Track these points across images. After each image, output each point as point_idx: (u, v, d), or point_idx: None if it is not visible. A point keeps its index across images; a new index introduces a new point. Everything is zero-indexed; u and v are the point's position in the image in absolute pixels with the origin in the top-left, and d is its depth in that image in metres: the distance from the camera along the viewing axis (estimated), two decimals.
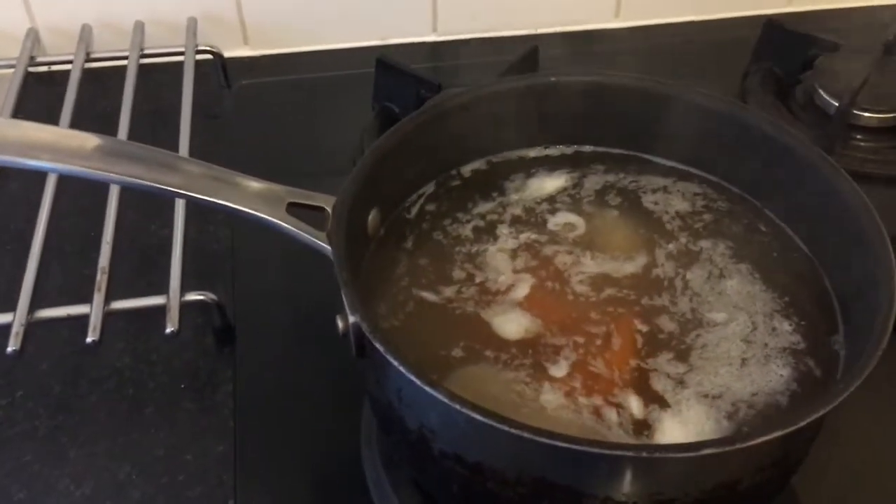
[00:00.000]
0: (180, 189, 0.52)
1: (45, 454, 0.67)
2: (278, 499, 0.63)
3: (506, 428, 0.43)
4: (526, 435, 0.42)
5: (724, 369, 0.53)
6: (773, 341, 0.55)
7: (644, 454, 0.42)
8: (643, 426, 0.50)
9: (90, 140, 0.54)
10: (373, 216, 0.59)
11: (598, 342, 0.55)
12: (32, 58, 0.96)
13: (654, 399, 0.52)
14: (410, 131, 0.60)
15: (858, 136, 0.91)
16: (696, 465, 0.44)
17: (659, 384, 0.53)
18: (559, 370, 0.53)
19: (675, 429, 0.50)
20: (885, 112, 0.90)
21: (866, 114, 0.90)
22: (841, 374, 0.49)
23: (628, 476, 0.44)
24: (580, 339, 0.55)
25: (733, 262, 0.60)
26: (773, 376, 0.53)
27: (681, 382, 0.53)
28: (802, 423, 0.43)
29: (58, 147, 0.53)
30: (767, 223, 0.63)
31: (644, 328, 0.56)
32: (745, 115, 0.62)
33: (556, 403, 0.52)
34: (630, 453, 0.42)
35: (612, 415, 0.51)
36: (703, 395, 0.52)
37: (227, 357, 0.73)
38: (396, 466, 0.62)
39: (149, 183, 0.52)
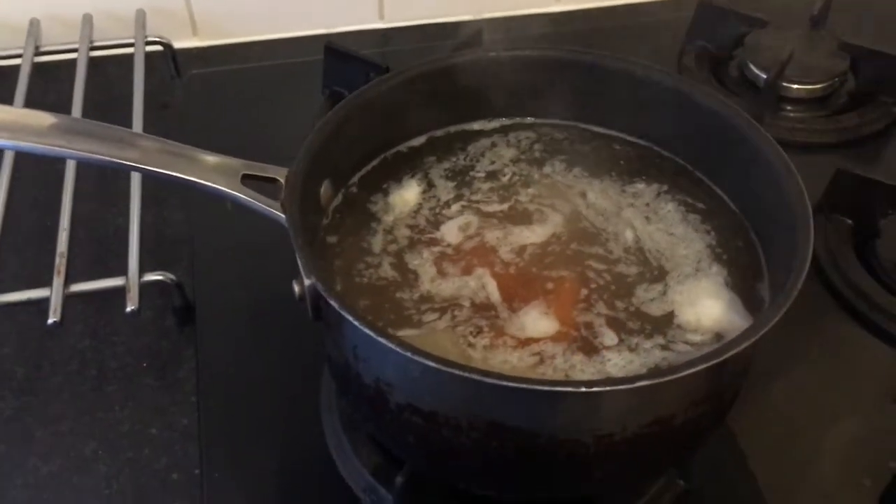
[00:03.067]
0: (138, 163, 0.54)
1: (11, 435, 0.68)
2: (243, 466, 0.65)
3: (457, 372, 0.46)
4: (475, 377, 0.45)
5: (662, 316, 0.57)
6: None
7: (583, 389, 0.45)
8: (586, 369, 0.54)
9: (48, 118, 0.56)
10: (325, 188, 0.62)
11: (544, 294, 0.58)
12: None
13: (595, 345, 0.55)
14: (356, 107, 0.62)
15: (788, 108, 0.96)
16: (632, 398, 0.47)
17: (600, 330, 0.56)
18: (508, 324, 0.56)
19: (615, 371, 0.54)
20: (812, 83, 0.95)
21: (795, 85, 0.96)
22: (762, 314, 0.53)
23: (569, 412, 0.48)
24: (526, 292, 0.58)
25: (672, 217, 0.64)
26: None
27: (622, 328, 0.56)
28: (726, 356, 0.46)
29: (16, 125, 0.54)
30: (699, 184, 0.66)
31: (587, 282, 0.59)
32: (680, 84, 0.66)
33: (505, 356, 0.55)
34: (569, 388, 0.45)
35: (557, 361, 0.54)
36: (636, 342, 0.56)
37: (188, 335, 0.75)
38: (355, 428, 0.65)
39: (108, 158, 0.54)
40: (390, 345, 0.47)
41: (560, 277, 0.59)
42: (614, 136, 0.70)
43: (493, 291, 0.58)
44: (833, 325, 0.76)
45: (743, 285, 0.59)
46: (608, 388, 0.46)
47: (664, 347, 0.56)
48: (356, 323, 0.48)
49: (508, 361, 0.54)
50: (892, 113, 0.93)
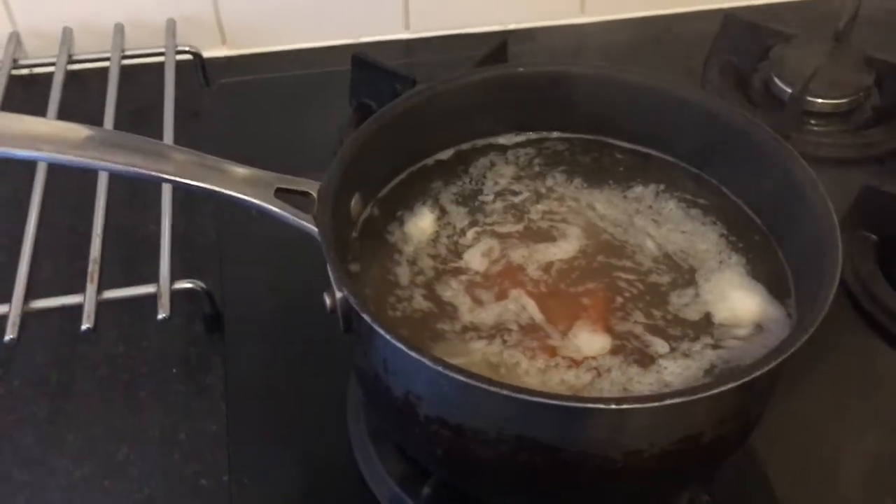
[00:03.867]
0: (172, 176, 0.55)
1: (44, 438, 0.70)
2: (270, 472, 0.66)
3: (486, 387, 0.47)
4: (503, 392, 0.46)
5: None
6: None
7: (613, 406, 0.46)
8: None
9: (84, 131, 0.57)
10: (355, 201, 0.63)
11: (575, 310, 0.59)
12: (15, 61, 0.98)
13: (649, 354, 0.56)
14: (387, 121, 0.63)
15: (813, 122, 0.96)
16: (661, 415, 0.48)
17: (650, 339, 0.57)
18: (561, 345, 0.57)
19: (673, 379, 0.54)
20: (836, 98, 0.95)
21: (819, 100, 0.96)
22: (789, 334, 0.53)
23: (598, 428, 0.48)
24: (560, 308, 0.59)
25: (700, 234, 0.65)
26: None
27: (667, 335, 0.57)
28: (754, 375, 0.47)
29: (54, 138, 0.55)
30: (726, 201, 0.67)
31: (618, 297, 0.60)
32: (705, 101, 0.66)
33: (537, 369, 0.56)
34: (598, 405, 0.46)
35: (614, 375, 0.55)
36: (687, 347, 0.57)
37: (217, 342, 0.76)
38: (382, 438, 0.65)
39: (143, 171, 0.55)
40: (421, 359, 0.48)
41: (595, 296, 0.60)
42: (641, 151, 0.71)
43: (535, 312, 0.59)
44: (857, 340, 0.76)
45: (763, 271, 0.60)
46: (637, 406, 0.46)
47: (714, 346, 0.57)
48: (388, 336, 0.49)
49: (566, 381, 0.54)
50: None
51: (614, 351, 0.56)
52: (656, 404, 0.46)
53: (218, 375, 0.74)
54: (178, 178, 0.55)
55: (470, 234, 0.65)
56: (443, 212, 0.66)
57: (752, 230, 0.64)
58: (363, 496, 0.64)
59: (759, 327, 0.58)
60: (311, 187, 0.58)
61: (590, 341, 0.57)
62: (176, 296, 0.75)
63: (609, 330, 0.58)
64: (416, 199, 0.67)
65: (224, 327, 0.77)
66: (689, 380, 0.54)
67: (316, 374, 0.73)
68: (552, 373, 0.55)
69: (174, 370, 0.75)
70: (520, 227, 0.65)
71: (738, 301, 0.60)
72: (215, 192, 0.56)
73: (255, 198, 0.56)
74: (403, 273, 0.62)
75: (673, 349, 0.56)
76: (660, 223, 0.66)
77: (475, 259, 0.63)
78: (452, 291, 0.61)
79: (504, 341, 0.57)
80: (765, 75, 1.00)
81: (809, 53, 0.98)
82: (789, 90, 0.94)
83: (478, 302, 0.60)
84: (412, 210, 0.66)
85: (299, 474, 0.67)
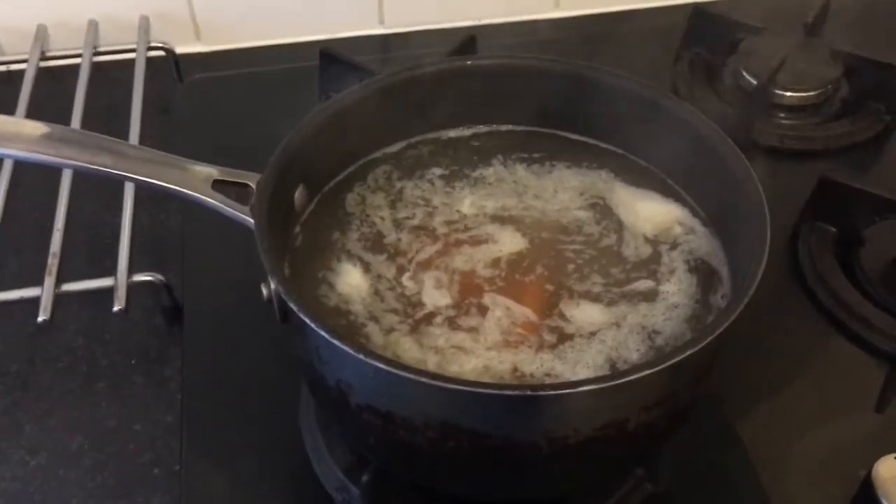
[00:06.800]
0: (112, 168, 0.56)
1: (1, 428, 0.71)
2: (222, 463, 0.67)
3: (405, 374, 0.47)
4: (422, 380, 0.47)
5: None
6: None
7: (528, 392, 0.46)
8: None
9: (40, 128, 0.58)
10: (299, 193, 0.64)
11: (505, 300, 0.59)
12: None
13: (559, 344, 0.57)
14: (331, 114, 0.64)
15: (781, 115, 0.96)
16: (579, 401, 0.48)
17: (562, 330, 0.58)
18: (476, 323, 0.58)
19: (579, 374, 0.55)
20: (804, 91, 0.95)
21: (787, 93, 0.96)
22: (708, 323, 0.54)
23: (517, 415, 0.49)
24: (496, 301, 0.60)
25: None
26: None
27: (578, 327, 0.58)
28: (672, 361, 0.47)
29: (7, 134, 0.56)
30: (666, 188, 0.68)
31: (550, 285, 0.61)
32: (645, 91, 0.67)
33: (472, 361, 0.56)
34: (513, 392, 0.47)
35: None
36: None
37: (176, 335, 0.77)
38: (329, 428, 0.66)
39: (85, 164, 0.56)
40: (345, 347, 0.49)
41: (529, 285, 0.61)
42: (590, 143, 0.71)
43: (465, 303, 0.60)
44: (812, 332, 0.76)
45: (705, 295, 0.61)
46: (551, 393, 0.47)
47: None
48: (314, 325, 0.50)
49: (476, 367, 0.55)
50: (882, 120, 0.93)
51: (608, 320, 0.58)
52: (571, 391, 0.46)
53: (176, 367, 0.75)
54: (115, 171, 0.56)
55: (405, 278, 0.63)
56: (363, 263, 0.64)
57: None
58: (311, 485, 0.65)
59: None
60: (252, 179, 0.59)
61: (583, 314, 0.59)
62: (136, 289, 0.76)
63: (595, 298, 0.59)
64: (333, 256, 0.64)
65: (183, 320, 0.77)
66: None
67: (272, 367, 0.73)
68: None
69: (133, 362, 0.76)
70: (438, 245, 0.65)
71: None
72: (153, 184, 0.57)
73: (191, 190, 0.57)
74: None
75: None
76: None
77: (434, 296, 0.61)
78: (440, 330, 0.59)
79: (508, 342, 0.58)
80: (734, 69, 1.00)
81: (778, 46, 0.98)
82: (755, 82, 0.94)
83: (472, 330, 0.59)
84: (334, 270, 0.63)
85: (250, 464, 0.67)
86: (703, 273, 0.62)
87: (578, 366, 0.55)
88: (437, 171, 0.70)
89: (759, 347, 0.72)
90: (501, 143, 0.72)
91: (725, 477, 0.66)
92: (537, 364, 0.56)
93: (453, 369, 0.55)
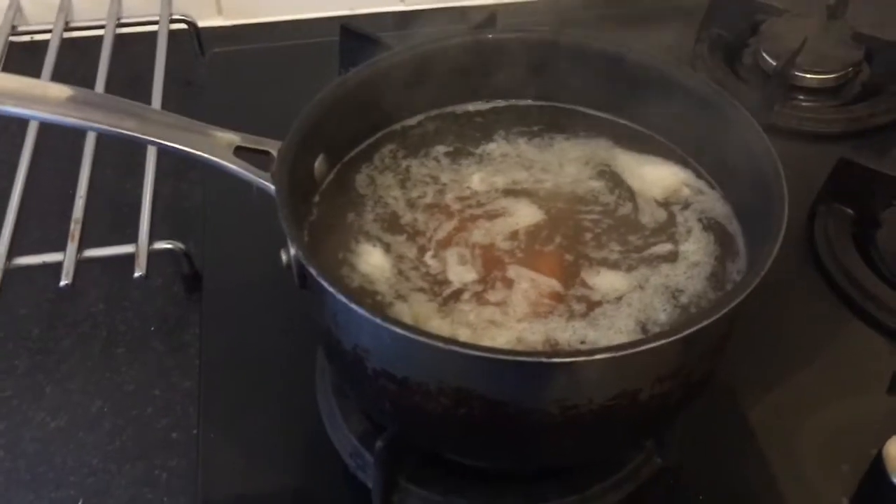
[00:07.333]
0: (134, 132, 0.57)
1: (23, 390, 0.72)
2: (239, 428, 0.68)
3: (421, 339, 0.48)
4: (438, 344, 0.47)
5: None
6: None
7: (542, 359, 0.47)
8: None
9: (66, 90, 0.59)
10: (319, 162, 0.64)
11: (529, 272, 0.60)
12: (14, 27, 1.01)
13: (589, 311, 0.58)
14: (353, 85, 0.65)
15: (801, 97, 0.96)
16: (592, 370, 0.49)
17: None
18: (504, 297, 0.59)
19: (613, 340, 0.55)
20: (824, 73, 0.95)
21: (807, 75, 0.95)
22: (725, 294, 0.54)
23: (533, 382, 0.49)
24: (520, 273, 0.60)
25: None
26: None
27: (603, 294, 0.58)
28: (686, 332, 0.48)
29: (31, 96, 0.57)
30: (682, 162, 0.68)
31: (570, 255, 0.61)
32: (666, 68, 0.67)
33: (504, 334, 0.57)
34: (530, 359, 0.47)
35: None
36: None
37: (195, 303, 0.78)
38: (345, 396, 0.67)
39: (107, 126, 0.57)
40: (362, 311, 0.49)
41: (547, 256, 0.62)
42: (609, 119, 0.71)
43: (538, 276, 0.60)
44: (826, 313, 0.76)
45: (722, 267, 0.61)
46: (567, 360, 0.47)
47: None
48: (332, 290, 0.50)
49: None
50: None
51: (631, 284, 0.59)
52: (586, 358, 0.47)
53: (194, 334, 0.76)
54: (138, 135, 0.57)
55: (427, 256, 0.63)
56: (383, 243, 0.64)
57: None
58: (326, 451, 0.66)
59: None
60: (273, 147, 0.60)
61: (604, 281, 0.60)
62: (157, 256, 0.77)
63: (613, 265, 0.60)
64: (353, 236, 0.64)
65: (202, 288, 0.78)
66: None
67: (289, 334, 0.74)
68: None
69: (152, 328, 0.77)
70: (454, 221, 0.65)
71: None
72: (176, 148, 0.57)
73: (213, 155, 0.58)
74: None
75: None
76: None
77: (460, 272, 0.61)
78: (469, 306, 0.59)
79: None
80: (754, 50, 1.00)
81: (800, 28, 0.98)
82: (775, 64, 0.94)
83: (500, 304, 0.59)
84: (354, 251, 0.62)
85: (266, 429, 0.69)
86: (718, 232, 0.63)
87: (611, 331, 0.56)
88: (441, 148, 0.70)
89: (772, 326, 0.73)
90: (500, 119, 0.72)
91: (733, 454, 0.66)
92: (570, 332, 0.56)
93: (486, 343, 0.56)
